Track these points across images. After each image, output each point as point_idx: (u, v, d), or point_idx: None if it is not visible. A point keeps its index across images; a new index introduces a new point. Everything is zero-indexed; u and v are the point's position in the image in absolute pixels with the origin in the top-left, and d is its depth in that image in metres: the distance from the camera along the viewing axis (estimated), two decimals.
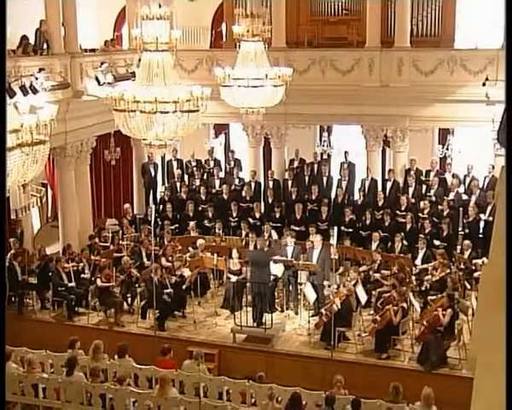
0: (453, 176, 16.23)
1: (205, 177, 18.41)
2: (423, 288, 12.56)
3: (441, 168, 16.82)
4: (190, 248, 14.69)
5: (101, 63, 15.50)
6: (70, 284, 13.27)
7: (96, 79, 14.89)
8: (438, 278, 12.68)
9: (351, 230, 15.32)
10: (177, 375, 10.24)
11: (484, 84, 14.60)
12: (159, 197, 18.16)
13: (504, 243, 2.35)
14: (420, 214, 15.31)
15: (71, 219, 15.55)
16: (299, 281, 13.18)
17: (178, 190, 17.57)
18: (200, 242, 14.39)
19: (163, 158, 18.67)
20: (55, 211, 17.42)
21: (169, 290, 12.79)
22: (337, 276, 13.61)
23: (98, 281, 13.09)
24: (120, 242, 15.28)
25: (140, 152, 18.11)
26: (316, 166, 17.76)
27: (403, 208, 15.45)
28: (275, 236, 14.97)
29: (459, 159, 17.09)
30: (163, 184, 19.06)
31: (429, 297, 12.04)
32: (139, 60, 9.69)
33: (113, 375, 10.33)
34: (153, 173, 18.47)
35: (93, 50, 17.30)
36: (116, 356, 10.70)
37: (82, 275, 13.81)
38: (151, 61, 9.05)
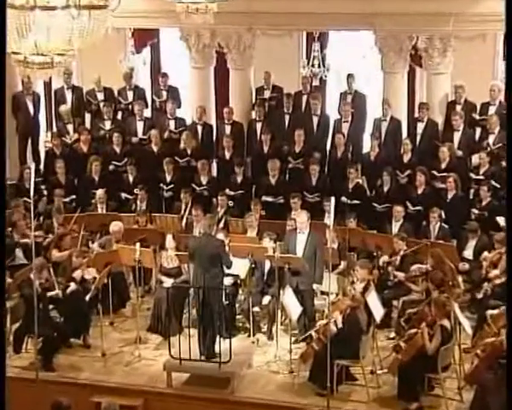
0: None
1: (119, 116, 18.33)
2: (480, 296, 12.53)
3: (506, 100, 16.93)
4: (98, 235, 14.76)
5: None
6: None
7: None
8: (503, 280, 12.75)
9: (357, 202, 15.47)
10: None
11: None
12: (43, 151, 17.99)
13: None
14: (472, 176, 15.45)
15: None
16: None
17: (75, 138, 17.44)
18: (114, 226, 14.39)
19: (48, 85, 18.47)
20: None
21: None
22: (335, 276, 13.66)
23: None
24: None
25: (10, 76, 17.85)
26: (303, 98, 17.72)
27: (443, 166, 15.55)
28: None
29: None
30: (48, 129, 18.88)
31: (489, 312, 12.13)
32: None
33: None
34: (31, 111, 18.29)
35: None
36: None
37: None
38: None
